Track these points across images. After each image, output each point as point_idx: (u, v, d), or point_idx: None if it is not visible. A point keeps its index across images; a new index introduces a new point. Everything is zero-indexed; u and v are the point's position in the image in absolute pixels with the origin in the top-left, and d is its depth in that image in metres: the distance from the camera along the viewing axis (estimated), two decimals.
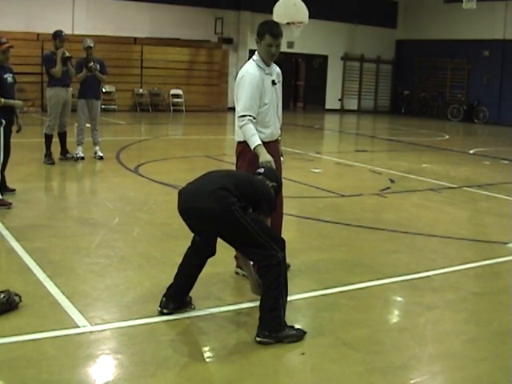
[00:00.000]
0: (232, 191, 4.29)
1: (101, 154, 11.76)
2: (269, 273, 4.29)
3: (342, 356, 4.23)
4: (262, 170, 4.83)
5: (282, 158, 5.81)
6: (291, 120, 24.35)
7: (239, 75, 5.42)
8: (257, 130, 5.28)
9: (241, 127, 5.30)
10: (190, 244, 4.74)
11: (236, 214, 4.24)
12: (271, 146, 5.43)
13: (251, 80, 5.29)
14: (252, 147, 5.22)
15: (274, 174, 4.85)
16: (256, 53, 5.45)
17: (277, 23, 5.45)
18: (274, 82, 5.47)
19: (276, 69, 5.60)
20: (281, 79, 5.64)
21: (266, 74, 5.42)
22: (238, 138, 5.50)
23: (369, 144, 18.51)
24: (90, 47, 11.64)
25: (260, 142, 5.20)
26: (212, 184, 4.35)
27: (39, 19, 20.94)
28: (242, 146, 5.45)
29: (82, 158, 11.52)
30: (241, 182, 4.44)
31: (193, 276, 4.71)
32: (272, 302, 4.30)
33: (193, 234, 4.69)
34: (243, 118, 5.26)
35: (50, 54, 11.16)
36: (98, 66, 11.71)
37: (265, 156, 5.13)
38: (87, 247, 6.33)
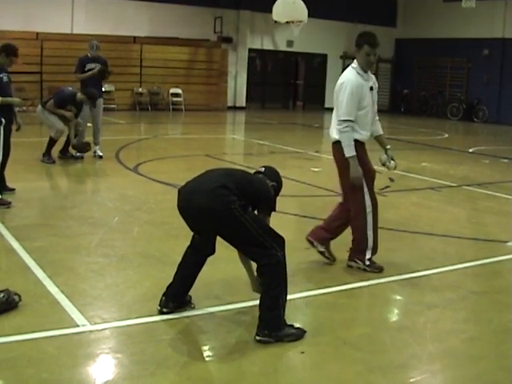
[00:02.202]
0: (232, 189, 4.29)
1: (100, 154, 11.78)
2: (269, 272, 4.29)
3: (342, 355, 4.23)
4: (262, 169, 4.83)
5: None
6: (291, 119, 24.37)
7: (339, 81, 5.82)
8: (356, 131, 5.75)
9: (341, 132, 5.73)
10: (189, 243, 4.74)
11: (236, 212, 4.24)
12: (364, 146, 5.92)
13: (351, 86, 5.71)
14: (346, 155, 5.72)
15: (275, 174, 4.85)
16: (355, 61, 5.86)
17: (374, 34, 5.92)
18: (371, 88, 5.84)
19: (373, 76, 5.97)
20: (377, 86, 5.99)
21: (365, 80, 5.80)
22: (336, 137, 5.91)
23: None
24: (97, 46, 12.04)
25: (355, 153, 5.70)
26: (212, 182, 4.34)
27: (38, 19, 20.90)
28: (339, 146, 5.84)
29: (82, 158, 11.53)
30: (240, 181, 4.44)
31: (192, 275, 4.71)
32: (272, 301, 4.30)
33: (192, 233, 4.69)
34: (344, 124, 5.70)
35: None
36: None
37: (355, 171, 5.70)
38: (87, 246, 6.32)
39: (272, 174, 4.81)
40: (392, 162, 6.25)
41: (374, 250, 6.01)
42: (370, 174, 5.96)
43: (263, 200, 4.52)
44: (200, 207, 4.29)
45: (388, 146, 6.24)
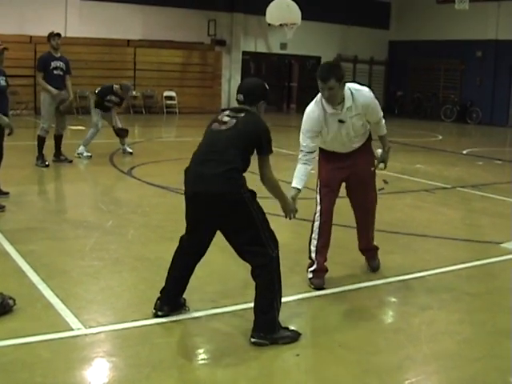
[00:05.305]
0: (240, 166, 4.26)
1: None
2: (263, 273, 4.28)
3: (337, 357, 4.23)
4: (241, 98, 4.54)
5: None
6: (285, 121, 24.34)
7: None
8: None
9: None
10: (178, 245, 4.66)
11: (246, 199, 4.23)
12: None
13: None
14: None
15: (256, 95, 4.60)
16: None
17: (324, 65, 5.33)
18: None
19: (354, 103, 5.30)
20: (360, 112, 5.35)
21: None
22: None
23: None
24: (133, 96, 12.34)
25: None
26: (222, 162, 4.24)
27: (32, 22, 20.87)
28: None
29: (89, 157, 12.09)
30: (243, 141, 4.33)
31: (184, 277, 4.67)
32: (266, 303, 4.29)
33: (181, 235, 4.63)
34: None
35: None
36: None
37: None
38: (81, 250, 6.31)
39: (254, 98, 4.57)
40: (381, 164, 5.93)
41: (319, 268, 5.51)
42: (323, 182, 5.71)
43: (263, 138, 4.40)
44: (211, 194, 4.23)
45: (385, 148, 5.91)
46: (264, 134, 4.42)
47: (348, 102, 5.27)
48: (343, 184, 5.84)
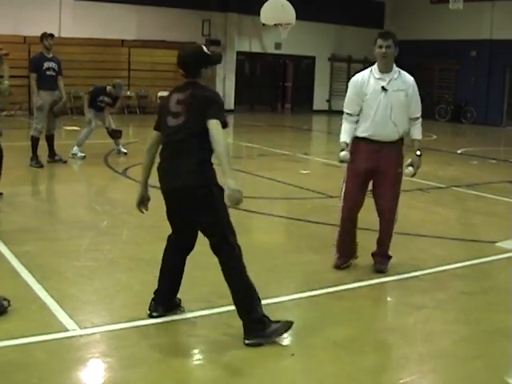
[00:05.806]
0: (208, 154, 4.27)
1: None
2: (233, 271, 4.30)
3: (332, 356, 4.23)
4: (182, 72, 4.43)
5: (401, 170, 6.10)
6: (279, 121, 24.38)
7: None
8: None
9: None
10: (166, 245, 4.70)
11: (214, 191, 4.24)
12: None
13: None
14: None
15: (195, 62, 4.42)
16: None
17: (388, 31, 6.03)
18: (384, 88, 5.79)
19: (400, 77, 6.00)
20: (403, 88, 6.01)
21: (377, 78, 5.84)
22: None
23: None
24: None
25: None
26: (190, 156, 4.30)
27: (26, 23, 20.83)
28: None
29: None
30: (201, 123, 4.20)
31: (177, 275, 4.66)
32: (246, 303, 4.28)
33: (168, 235, 4.63)
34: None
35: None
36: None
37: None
38: (76, 250, 6.30)
39: (195, 68, 4.38)
40: (410, 167, 6.13)
41: (342, 255, 6.01)
42: (353, 175, 5.90)
43: (213, 106, 4.24)
44: (184, 188, 4.33)
45: (417, 152, 6.26)
46: (213, 100, 4.27)
47: (395, 74, 5.95)
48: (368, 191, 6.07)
